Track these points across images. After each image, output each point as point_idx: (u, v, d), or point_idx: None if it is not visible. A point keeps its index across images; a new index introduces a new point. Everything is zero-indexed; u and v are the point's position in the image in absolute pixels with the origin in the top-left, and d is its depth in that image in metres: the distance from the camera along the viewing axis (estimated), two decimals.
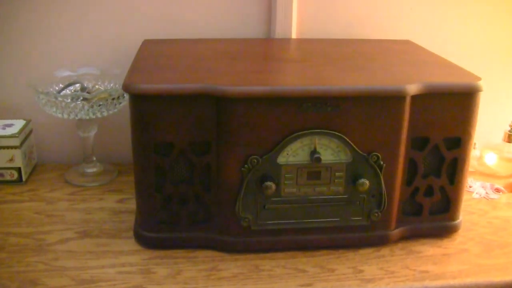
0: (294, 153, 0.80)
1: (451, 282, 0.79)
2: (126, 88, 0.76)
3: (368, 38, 1.12)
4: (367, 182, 0.81)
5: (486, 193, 1.03)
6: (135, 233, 0.86)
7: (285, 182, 0.81)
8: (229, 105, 0.76)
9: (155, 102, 0.76)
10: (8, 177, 1.03)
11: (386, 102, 0.78)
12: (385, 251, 0.86)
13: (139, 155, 0.80)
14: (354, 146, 0.80)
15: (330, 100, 0.77)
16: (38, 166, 1.12)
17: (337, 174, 0.82)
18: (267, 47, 1.03)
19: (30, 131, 1.08)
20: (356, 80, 0.81)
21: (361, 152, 0.80)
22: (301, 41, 1.08)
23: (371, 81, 0.80)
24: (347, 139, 0.79)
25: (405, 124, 0.80)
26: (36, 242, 0.86)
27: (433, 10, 1.14)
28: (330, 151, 0.80)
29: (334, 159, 0.81)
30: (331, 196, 0.83)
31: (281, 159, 0.80)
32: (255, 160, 0.79)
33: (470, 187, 1.05)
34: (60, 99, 0.95)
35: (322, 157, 0.80)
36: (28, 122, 1.07)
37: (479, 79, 0.82)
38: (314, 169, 0.81)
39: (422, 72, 0.85)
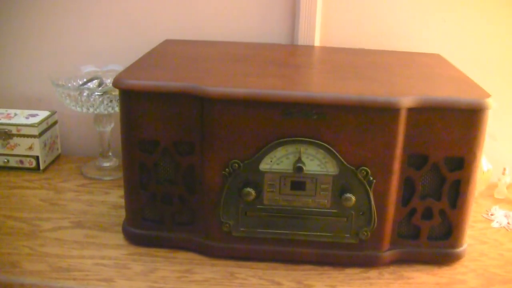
0: (278, 161, 0.77)
1: None
2: (115, 83, 0.77)
3: (400, 50, 1.07)
4: (352, 197, 0.76)
5: (508, 223, 0.94)
6: (122, 228, 0.87)
7: (268, 190, 0.78)
8: (212, 106, 0.74)
9: (142, 99, 0.76)
10: (27, 165, 1.07)
11: (377, 114, 0.73)
12: (373, 273, 0.80)
13: (126, 152, 0.80)
14: (341, 159, 0.75)
15: (315, 108, 0.73)
16: (61, 157, 1.16)
17: (322, 186, 0.77)
18: (280, 52, 1.01)
19: (55, 123, 1.12)
20: (348, 89, 0.76)
21: (348, 166, 0.76)
22: (320, 49, 1.05)
23: (364, 90, 0.75)
24: (334, 151, 0.75)
25: (400, 139, 0.75)
26: (31, 227, 0.88)
27: (466, 24, 1.07)
28: (317, 162, 0.76)
29: (321, 170, 0.77)
30: (316, 209, 0.79)
31: (264, 166, 0.77)
32: (236, 165, 0.77)
33: (492, 215, 0.96)
34: (73, 93, 0.97)
35: (308, 167, 0.76)
36: (52, 113, 1.11)
37: (488, 96, 0.75)
38: (298, 179, 0.77)
39: (429, 86, 0.80)
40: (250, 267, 0.80)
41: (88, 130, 1.17)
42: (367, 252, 0.80)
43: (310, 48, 1.05)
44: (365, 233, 0.79)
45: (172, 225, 0.83)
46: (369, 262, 0.81)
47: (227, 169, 0.77)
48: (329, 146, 0.75)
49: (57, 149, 1.15)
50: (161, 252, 0.83)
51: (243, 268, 0.80)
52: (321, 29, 1.07)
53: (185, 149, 0.78)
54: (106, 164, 1.10)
